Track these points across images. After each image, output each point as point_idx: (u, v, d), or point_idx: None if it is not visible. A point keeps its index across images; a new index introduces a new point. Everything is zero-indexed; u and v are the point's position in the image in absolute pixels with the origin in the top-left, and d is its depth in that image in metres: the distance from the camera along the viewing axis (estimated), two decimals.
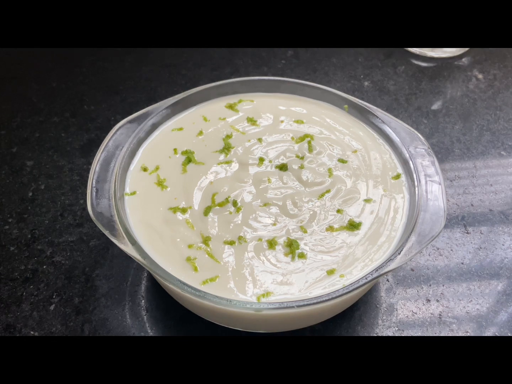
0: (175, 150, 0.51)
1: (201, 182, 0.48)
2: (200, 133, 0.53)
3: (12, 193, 0.59)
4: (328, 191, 0.47)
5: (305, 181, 0.48)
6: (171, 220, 0.45)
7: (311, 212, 0.45)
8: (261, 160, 0.50)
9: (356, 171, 0.49)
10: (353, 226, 0.44)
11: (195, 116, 0.55)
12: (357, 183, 0.48)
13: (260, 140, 0.52)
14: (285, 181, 0.48)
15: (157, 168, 0.49)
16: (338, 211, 0.46)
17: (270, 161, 0.50)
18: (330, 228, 0.44)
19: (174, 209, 0.45)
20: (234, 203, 0.46)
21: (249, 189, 0.47)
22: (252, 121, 0.54)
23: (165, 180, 0.48)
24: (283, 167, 0.49)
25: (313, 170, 0.49)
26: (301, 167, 0.49)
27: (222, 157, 0.50)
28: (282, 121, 0.55)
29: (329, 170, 0.49)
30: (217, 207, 0.45)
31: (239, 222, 0.45)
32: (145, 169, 0.49)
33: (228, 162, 0.50)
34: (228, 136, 0.52)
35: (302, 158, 0.50)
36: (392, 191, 0.48)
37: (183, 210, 0.45)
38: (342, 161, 0.50)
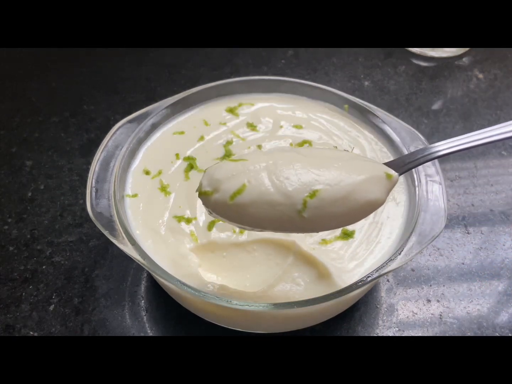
0: (177, 155, 0.51)
1: None
2: (201, 138, 0.53)
3: (12, 193, 0.59)
4: None
5: None
6: (176, 229, 0.44)
7: None
8: None
9: None
10: (346, 235, 0.44)
11: (196, 120, 0.54)
12: None
13: (259, 147, 0.52)
14: None
15: (159, 173, 0.49)
16: None
17: None
18: (323, 242, 0.44)
19: (179, 218, 0.45)
20: None
21: None
22: (252, 126, 0.54)
23: (169, 186, 0.48)
24: None
25: None
26: None
27: None
28: (281, 126, 0.54)
29: None
30: (220, 222, 0.45)
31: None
32: (147, 173, 0.49)
33: None
34: (229, 143, 0.52)
35: None
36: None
37: (188, 221, 0.45)
38: None
